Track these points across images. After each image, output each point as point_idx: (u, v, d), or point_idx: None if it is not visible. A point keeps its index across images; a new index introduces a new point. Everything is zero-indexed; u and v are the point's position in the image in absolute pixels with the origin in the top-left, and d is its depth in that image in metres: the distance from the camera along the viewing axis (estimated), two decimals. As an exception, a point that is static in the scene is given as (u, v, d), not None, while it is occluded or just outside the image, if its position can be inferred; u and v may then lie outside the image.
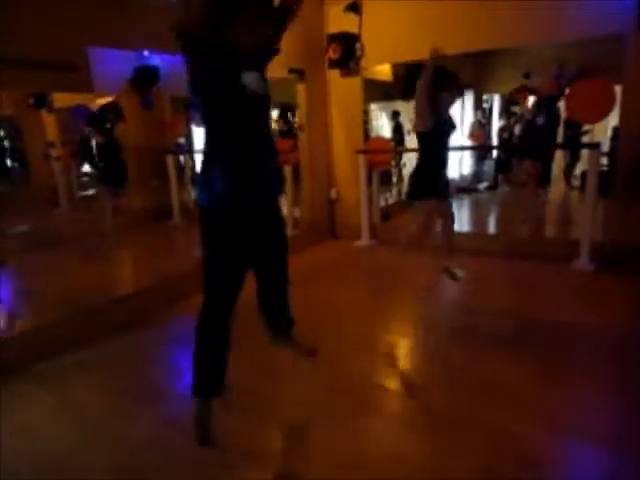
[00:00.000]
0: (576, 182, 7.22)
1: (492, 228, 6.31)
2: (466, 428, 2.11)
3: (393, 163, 7.71)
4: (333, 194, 5.77)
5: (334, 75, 5.38)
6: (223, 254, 1.85)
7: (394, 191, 7.92)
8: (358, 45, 5.00)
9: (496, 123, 8.89)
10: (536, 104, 5.70)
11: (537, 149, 5.54)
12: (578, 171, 7.16)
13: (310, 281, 4.20)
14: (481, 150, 8.68)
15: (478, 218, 6.41)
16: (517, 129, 7.15)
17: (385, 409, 2.34)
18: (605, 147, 5.54)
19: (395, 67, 6.30)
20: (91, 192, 5.37)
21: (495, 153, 8.55)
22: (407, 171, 8.10)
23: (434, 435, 2.09)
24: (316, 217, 5.67)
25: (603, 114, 4.14)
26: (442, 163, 3.37)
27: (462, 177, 8.73)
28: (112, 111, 4.68)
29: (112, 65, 4.29)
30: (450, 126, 3.33)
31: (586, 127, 6.39)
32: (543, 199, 5.83)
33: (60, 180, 5.03)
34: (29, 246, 4.39)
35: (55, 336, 3.08)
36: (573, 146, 6.71)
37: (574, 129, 6.24)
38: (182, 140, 5.91)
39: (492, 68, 8.29)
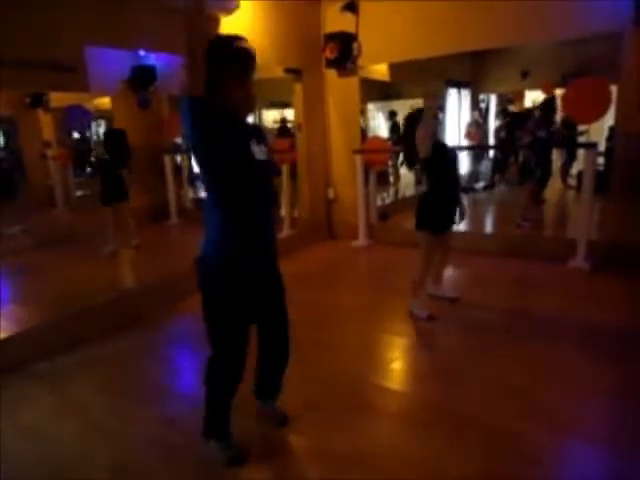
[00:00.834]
0: (572, 181, 7.25)
1: (489, 227, 6.32)
2: (466, 428, 2.12)
3: (390, 163, 7.72)
4: (330, 194, 5.77)
5: (331, 75, 5.38)
6: (226, 316, 1.81)
7: (391, 191, 7.92)
8: (355, 45, 5.00)
9: (492, 123, 8.93)
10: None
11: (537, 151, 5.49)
12: (574, 171, 7.18)
13: (307, 281, 4.20)
14: (478, 150, 8.70)
15: (475, 218, 6.42)
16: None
17: (385, 409, 2.35)
18: (601, 147, 5.55)
19: (392, 67, 6.29)
20: (89, 192, 5.32)
21: (492, 153, 8.57)
22: (404, 171, 8.13)
23: (434, 435, 2.09)
24: (313, 217, 5.67)
25: (600, 114, 4.16)
26: (445, 195, 3.30)
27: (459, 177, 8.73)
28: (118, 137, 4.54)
29: (108, 65, 4.27)
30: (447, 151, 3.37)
31: (582, 127, 6.40)
32: (541, 208, 5.84)
33: (56, 180, 5.00)
34: (29, 246, 4.36)
35: (55, 336, 3.08)
36: (570, 145, 6.71)
37: (571, 129, 6.25)
38: (179, 140, 5.88)
39: (488, 67, 8.31)
